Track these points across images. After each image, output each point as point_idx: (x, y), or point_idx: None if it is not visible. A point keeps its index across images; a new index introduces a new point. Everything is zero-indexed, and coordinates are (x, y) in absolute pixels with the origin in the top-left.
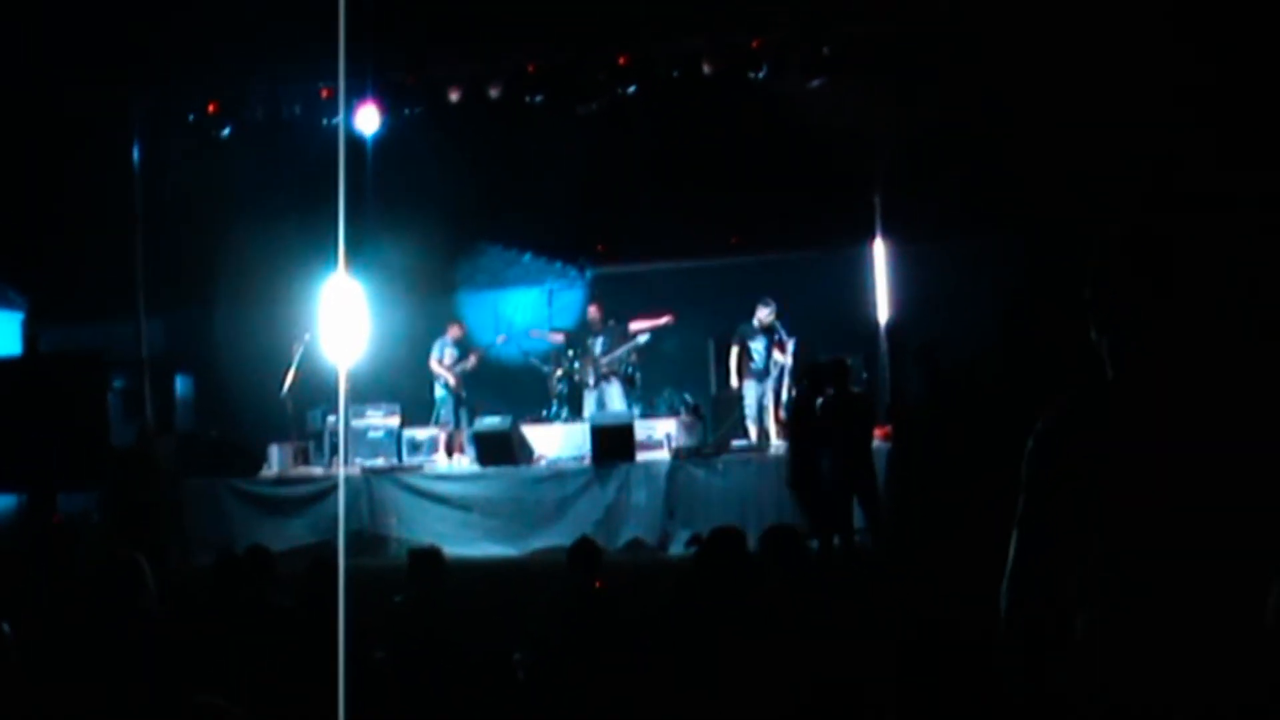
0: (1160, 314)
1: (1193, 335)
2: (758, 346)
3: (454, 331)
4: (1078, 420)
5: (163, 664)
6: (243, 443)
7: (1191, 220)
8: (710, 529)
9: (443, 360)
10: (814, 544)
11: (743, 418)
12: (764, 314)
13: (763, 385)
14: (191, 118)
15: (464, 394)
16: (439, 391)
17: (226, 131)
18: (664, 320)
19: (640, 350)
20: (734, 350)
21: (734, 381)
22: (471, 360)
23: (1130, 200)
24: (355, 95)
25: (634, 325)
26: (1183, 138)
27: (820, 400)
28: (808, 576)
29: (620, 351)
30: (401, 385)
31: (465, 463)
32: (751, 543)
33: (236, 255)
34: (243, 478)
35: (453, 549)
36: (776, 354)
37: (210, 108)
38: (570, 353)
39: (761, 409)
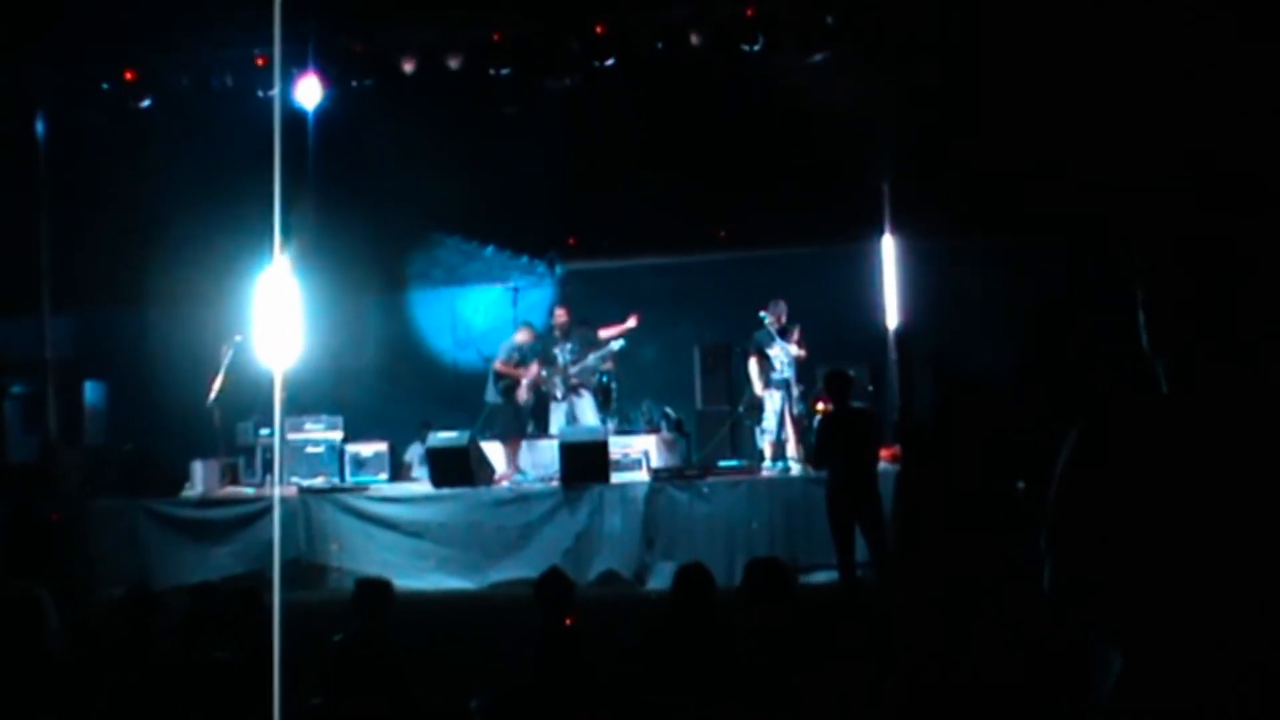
0: (1225, 328)
1: (1261, 350)
2: (776, 353)
3: (523, 335)
4: (1127, 434)
5: (68, 714)
6: (162, 458)
7: (1255, 222)
8: (679, 565)
9: (509, 362)
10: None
11: (760, 431)
12: (774, 316)
13: (786, 395)
14: (106, 87)
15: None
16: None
17: (147, 103)
18: (630, 324)
19: (614, 357)
20: (752, 360)
21: (758, 389)
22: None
23: (1181, 194)
24: (295, 64)
25: (601, 333)
26: (1239, 129)
27: (818, 416)
28: (793, 619)
29: (591, 360)
30: (345, 394)
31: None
32: (740, 576)
33: (157, 245)
34: (161, 499)
35: (402, 581)
36: (795, 350)
37: (127, 75)
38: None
39: (781, 423)
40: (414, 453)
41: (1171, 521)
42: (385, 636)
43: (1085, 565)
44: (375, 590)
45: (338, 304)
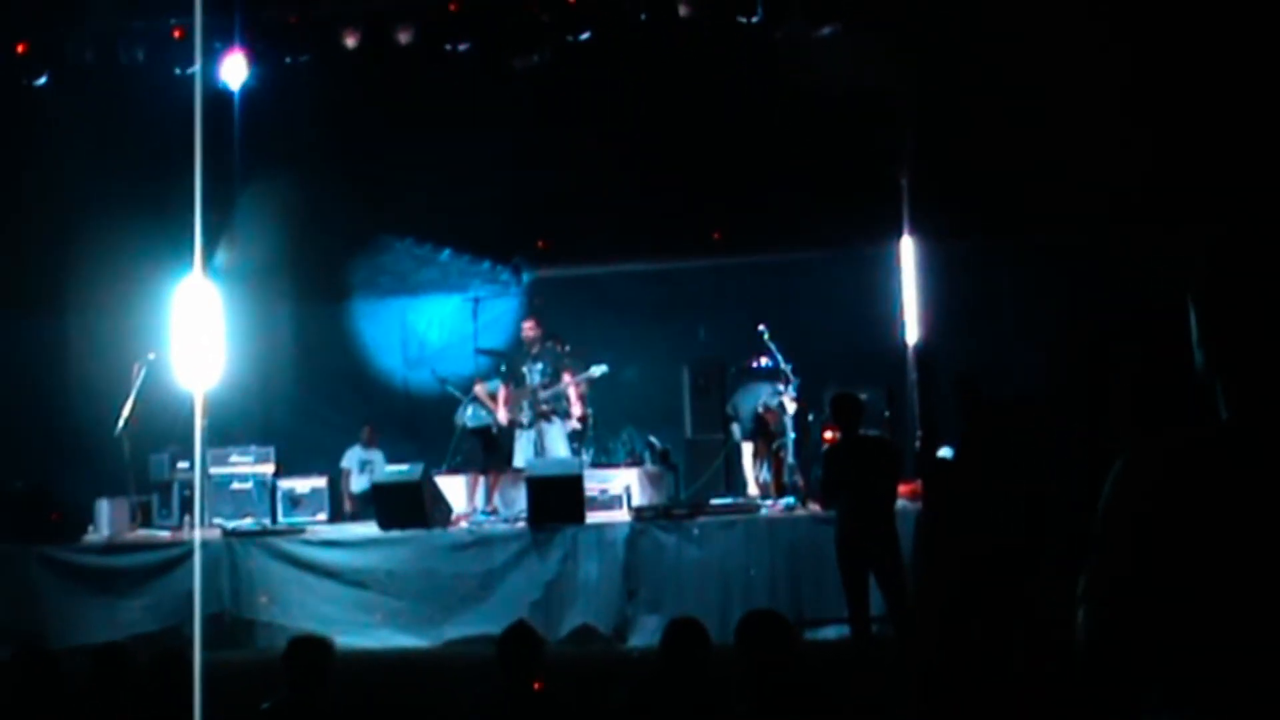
0: None
1: None
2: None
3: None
4: (1180, 467)
5: None
6: (60, 497)
7: None
8: (667, 620)
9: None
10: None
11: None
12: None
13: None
14: None
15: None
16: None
17: (42, 81)
18: (598, 372)
19: (591, 381)
20: (747, 448)
21: (752, 485)
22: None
23: (1244, 193)
24: (218, 37)
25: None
26: None
27: (826, 447)
28: (795, 676)
29: (564, 383)
30: (277, 421)
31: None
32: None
33: (55, 245)
34: (60, 544)
35: (344, 639)
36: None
37: (19, 48)
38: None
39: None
40: (352, 459)
41: (1235, 568)
42: (323, 704)
43: (1133, 617)
44: (311, 650)
45: (268, 316)
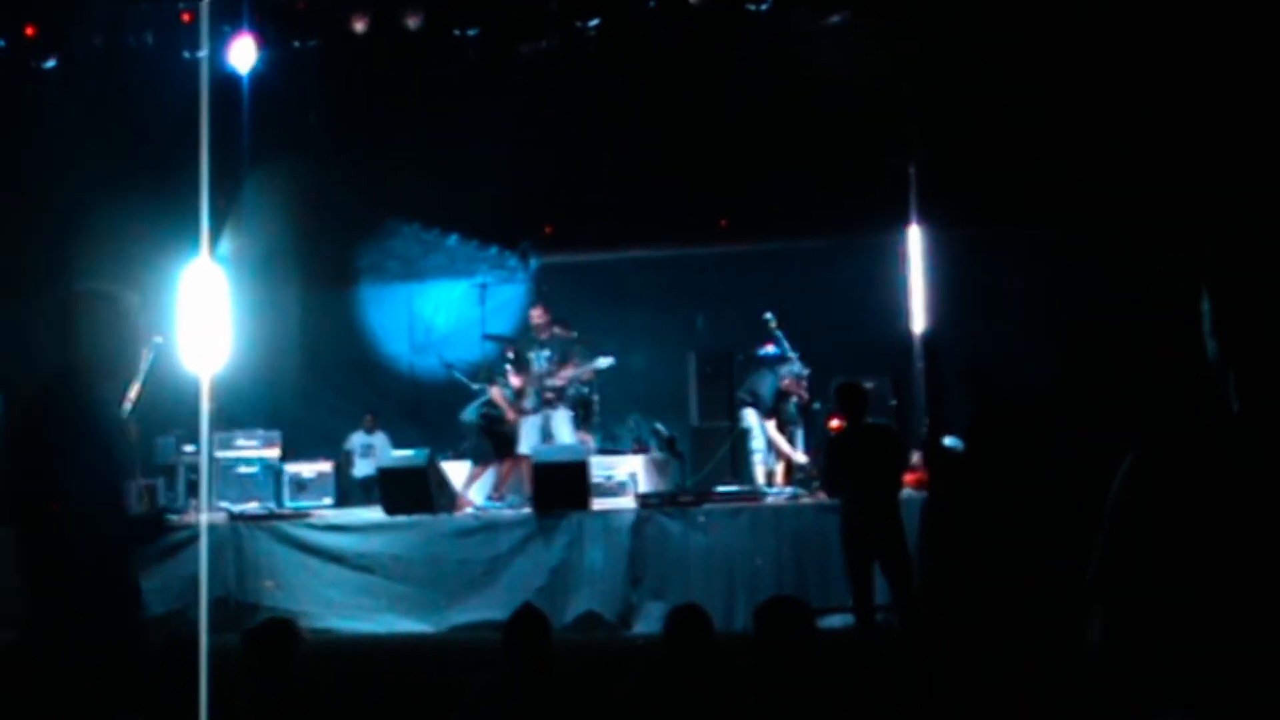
0: None
1: None
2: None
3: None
4: (1192, 462)
5: None
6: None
7: None
8: (670, 607)
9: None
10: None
11: (748, 453)
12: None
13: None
14: (2, 44)
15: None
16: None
17: (51, 64)
18: (604, 364)
19: (597, 372)
20: (770, 426)
21: (796, 454)
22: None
23: (1251, 185)
24: (227, 20)
25: (562, 374)
26: None
27: (831, 435)
28: (809, 673)
29: (572, 371)
30: (283, 406)
31: None
32: (741, 620)
33: (62, 229)
34: None
35: (349, 624)
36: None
37: (28, 31)
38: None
39: (771, 445)
40: (355, 442)
41: (1244, 565)
42: (287, 694)
43: (1142, 615)
44: (271, 635)
45: (275, 301)
